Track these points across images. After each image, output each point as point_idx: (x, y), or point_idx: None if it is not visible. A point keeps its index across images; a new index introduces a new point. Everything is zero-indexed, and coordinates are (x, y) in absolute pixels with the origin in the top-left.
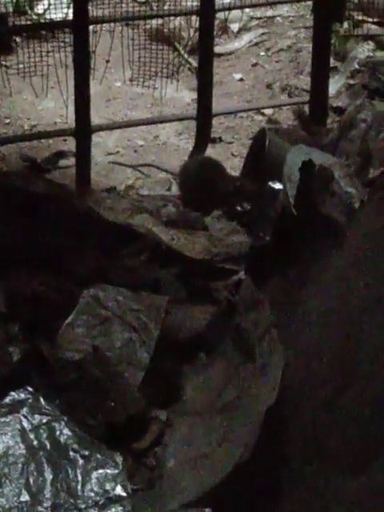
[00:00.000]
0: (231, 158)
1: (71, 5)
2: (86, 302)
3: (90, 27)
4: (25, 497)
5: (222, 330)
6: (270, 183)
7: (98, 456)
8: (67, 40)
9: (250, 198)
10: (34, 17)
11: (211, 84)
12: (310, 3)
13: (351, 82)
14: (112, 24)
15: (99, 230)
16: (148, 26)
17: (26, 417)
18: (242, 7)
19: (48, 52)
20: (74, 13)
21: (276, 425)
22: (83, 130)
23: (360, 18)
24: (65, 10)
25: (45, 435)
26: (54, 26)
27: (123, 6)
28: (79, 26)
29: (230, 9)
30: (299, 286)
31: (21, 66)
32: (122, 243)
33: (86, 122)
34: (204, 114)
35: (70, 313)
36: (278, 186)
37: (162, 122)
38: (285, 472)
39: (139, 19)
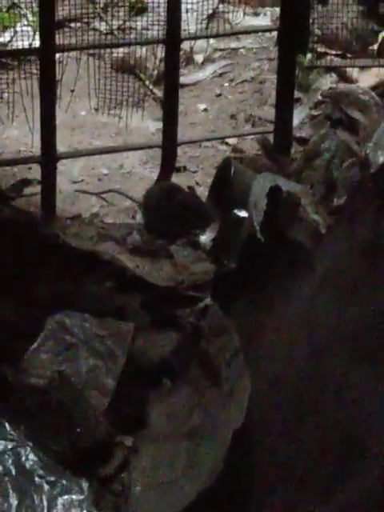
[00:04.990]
0: (195, 186)
1: (37, 33)
2: (51, 328)
3: (56, 56)
4: None
5: (188, 355)
6: (235, 211)
7: (64, 482)
8: (34, 70)
9: (213, 226)
10: None
11: (176, 113)
12: (273, 36)
13: (314, 112)
14: (78, 53)
15: (64, 257)
16: (114, 56)
17: None
18: (207, 37)
19: (14, 80)
20: (40, 40)
21: (241, 451)
22: (49, 157)
23: (322, 50)
24: (30, 40)
25: (10, 461)
26: (21, 54)
27: (89, 35)
28: (46, 54)
29: (195, 38)
30: (266, 311)
31: None
32: (88, 270)
33: (51, 149)
34: (169, 143)
35: (36, 339)
36: (242, 213)
37: (126, 150)
38: (250, 499)
39: (105, 47)
